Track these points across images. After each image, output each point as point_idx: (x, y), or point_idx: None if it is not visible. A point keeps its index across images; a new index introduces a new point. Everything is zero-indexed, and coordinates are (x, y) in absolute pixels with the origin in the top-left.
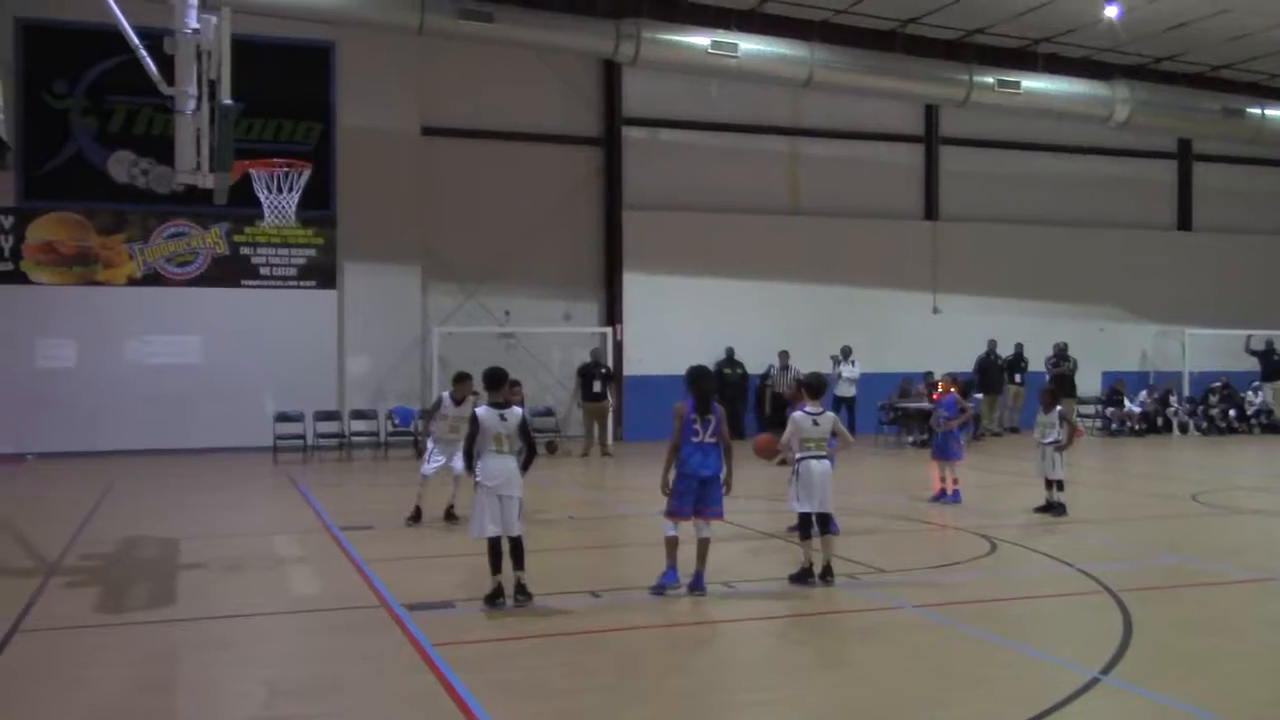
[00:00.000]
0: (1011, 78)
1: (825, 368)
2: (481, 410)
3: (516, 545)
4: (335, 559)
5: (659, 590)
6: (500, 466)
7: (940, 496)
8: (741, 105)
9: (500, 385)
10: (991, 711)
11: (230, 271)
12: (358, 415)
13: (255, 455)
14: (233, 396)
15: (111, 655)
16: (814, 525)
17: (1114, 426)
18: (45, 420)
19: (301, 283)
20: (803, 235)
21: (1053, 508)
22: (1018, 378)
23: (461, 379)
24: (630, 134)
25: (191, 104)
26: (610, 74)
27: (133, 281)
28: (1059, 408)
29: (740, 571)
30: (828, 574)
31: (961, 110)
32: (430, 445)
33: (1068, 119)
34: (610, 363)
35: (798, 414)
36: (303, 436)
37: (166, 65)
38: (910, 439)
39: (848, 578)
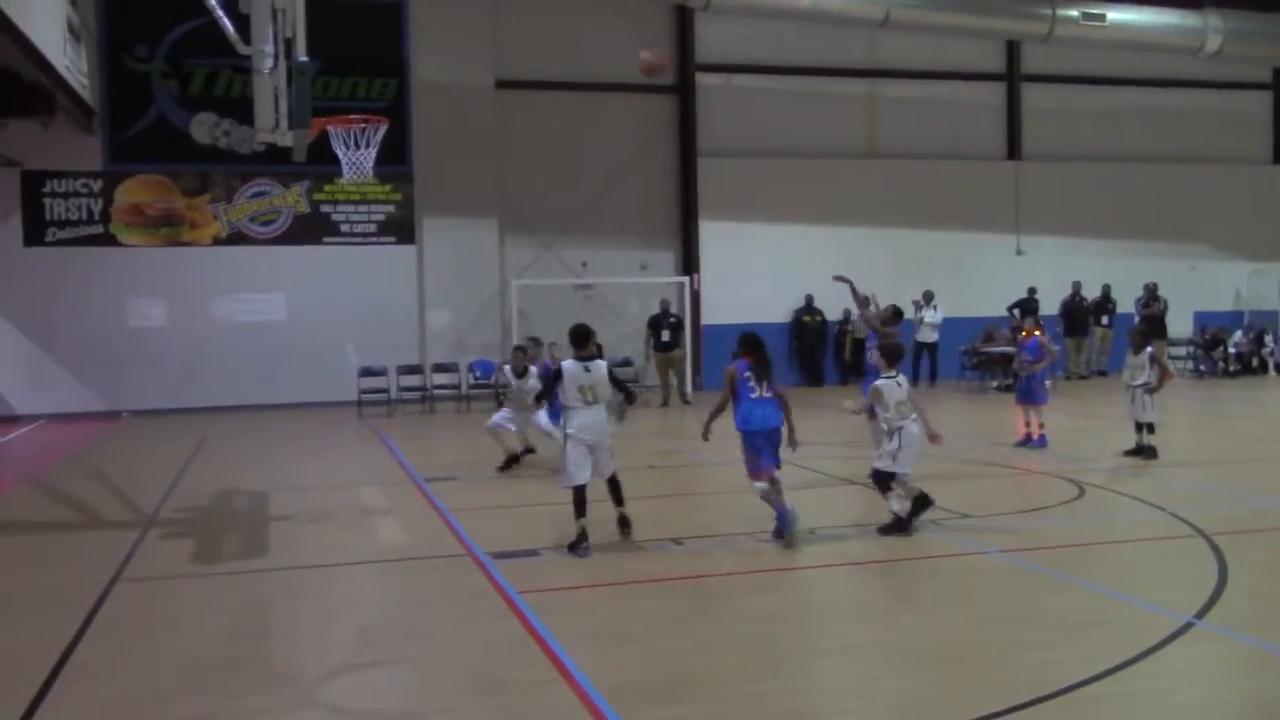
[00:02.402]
0: (1097, 10)
1: (906, 313)
2: (567, 364)
3: (614, 484)
4: (421, 509)
5: (780, 534)
6: (589, 418)
7: (1026, 441)
8: (817, 48)
9: (585, 342)
10: (1082, 656)
11: (312, 229)
12: (439, 369)
13: (340, 409)
14: (317, 352)
15: (208, 603)
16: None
17: (1203, 369)
18: (138, 378)
19: (381, 239)
20: (882, 179)
21: (1143, 451)
22: (1105, 320)
23: (518, 350)
24: (704, 80)
25: (268, 63)
26: (683, 20)
27: (218, 241)
28: (1149, 349)
29: (822, 517)
30: (925, 502)
31: (1044, 46)
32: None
33: (1156, 51)
34: (688, 311)
35: (882, 382)
36: (386, 390)
37: (243, 25)
38: (994, 384)
39: (933, 523)
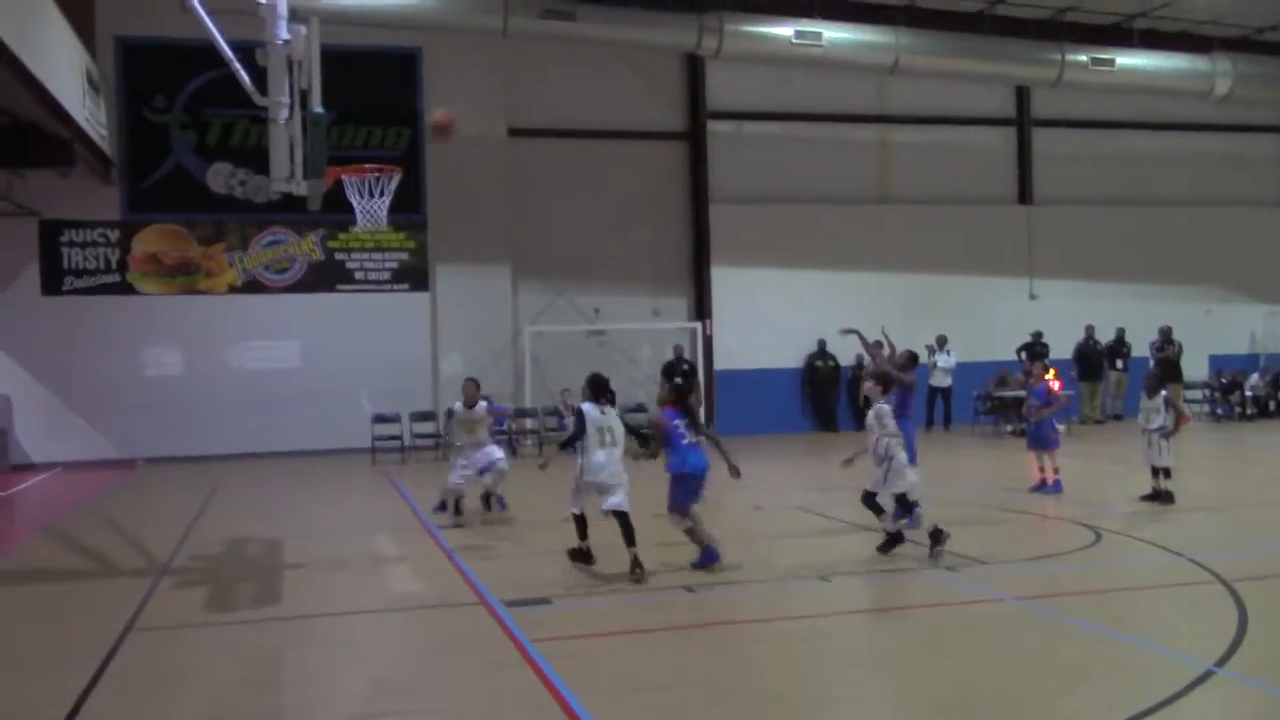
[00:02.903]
0: (1106, 55)
1: (921, 357)
2: (587, 406)
3: (625, 524)
4: (433, 556)
5: (704, 565)
6: (604, 458)
7: (1040, 487)
8: (827, 94)
9: (604, 390)
10: (1098, 705)
11: (326, 277)
12: (453, 415)
13: (354, 456)
14: (331, 399)
15: (220, 653)
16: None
17: (1219, 412)
18: (153, 426)
19: (395, 286)
20: (893, 224)
21: (1160, 496)
22: (1119, 364)
23: (470, 381)
24: (715, 127)
25: (284, 114)
26: (694, 68)
27: (233, 289)
28: (1164, 392)
29: (835, 563)
30: (940, 537)
31: (1054, 91)
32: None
33: (1166, 95)
34: (701, 358)
35: (885, 406)
36: (400, 437)
37: (260, 77)
38: (1009, 428)
39: (947, 570)
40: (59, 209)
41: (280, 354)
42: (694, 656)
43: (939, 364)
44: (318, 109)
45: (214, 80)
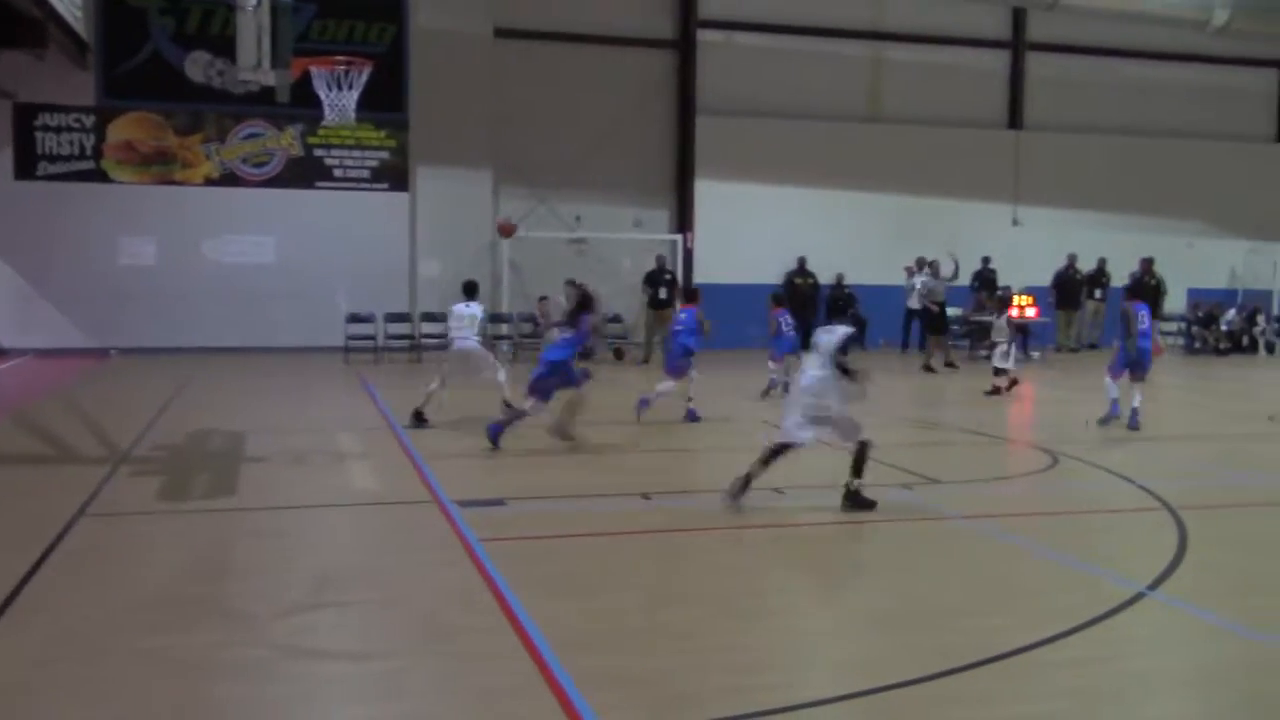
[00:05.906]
0: None
1: (898, 279)
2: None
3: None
4: (395, 456)
5: None
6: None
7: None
8: (821, 8)
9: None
10: (1029, 622)
11: (304, 173)
12: (428, 318)
13: (327, 355)
14: (306, 297)
15: (170, 540)
16: None
17: (1197, 345)
18: (127, 316)
19: (374, 185)
20: (881, 143)
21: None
22: (1097, 293)
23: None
24: (706, 37)
25: (253, 1)
26: None
27: (210, 181)
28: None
29: (790, 477)
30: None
31: (1051, 14)
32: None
33: (1163, 24)
34: (681, 270)
35: None
36: (374, 337)
37: None
38: (983, 352)
39: (903, 487)
40: (33, 92)
41: (256, 249)
42: (640, 561)
43: (917, 286)
44: None
45: None
